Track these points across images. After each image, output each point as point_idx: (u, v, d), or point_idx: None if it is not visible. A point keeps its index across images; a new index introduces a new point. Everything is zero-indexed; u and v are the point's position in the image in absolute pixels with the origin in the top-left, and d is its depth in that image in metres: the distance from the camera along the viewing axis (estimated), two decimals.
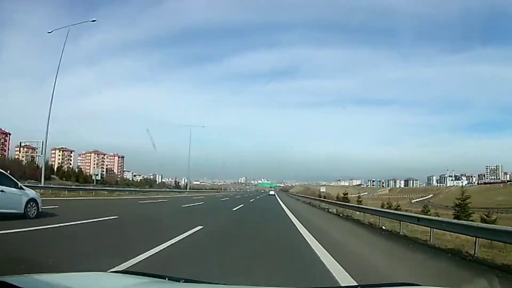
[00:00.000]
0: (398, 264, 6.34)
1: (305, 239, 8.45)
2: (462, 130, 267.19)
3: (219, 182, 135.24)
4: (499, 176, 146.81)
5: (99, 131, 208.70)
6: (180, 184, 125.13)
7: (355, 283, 4.24)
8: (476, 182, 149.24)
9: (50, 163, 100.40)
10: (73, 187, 37.09)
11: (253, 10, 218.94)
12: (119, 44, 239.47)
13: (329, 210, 21.05)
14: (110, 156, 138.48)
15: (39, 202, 10.30)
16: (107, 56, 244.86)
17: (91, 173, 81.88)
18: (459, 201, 25.80)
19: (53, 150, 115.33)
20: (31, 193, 10.22)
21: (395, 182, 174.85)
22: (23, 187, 10.32)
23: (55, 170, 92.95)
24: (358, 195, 45.88)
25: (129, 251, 5.58)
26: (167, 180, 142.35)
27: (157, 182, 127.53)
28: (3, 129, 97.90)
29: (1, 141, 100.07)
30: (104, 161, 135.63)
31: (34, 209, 9.92)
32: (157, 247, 6.05)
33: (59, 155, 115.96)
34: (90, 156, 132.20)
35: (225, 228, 10.77)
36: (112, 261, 4.69)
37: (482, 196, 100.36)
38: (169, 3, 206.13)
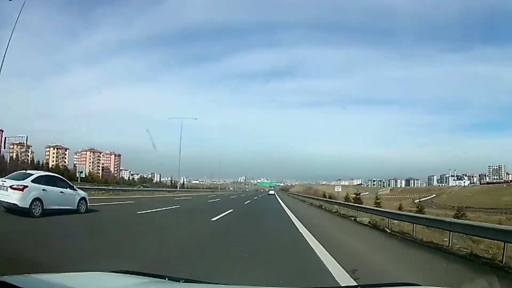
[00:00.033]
0: None
1: None
2: (462, 130, 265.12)
3: (219, 181, 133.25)
4: (501, 176, 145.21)
5: (97, 131, 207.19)
6: (178, 183, 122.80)
7: (355, 283, 4.17)
8: (478, 182, 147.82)
9: (43, 161, 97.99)
10: None
11: (253, 10, 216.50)
12: (119, 44, 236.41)
13: (357, 219, 15.43)
14: (107, 154, 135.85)
15: (87, 200, 12.79)
16: (106, 55, 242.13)
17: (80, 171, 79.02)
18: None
19: (47, 148, 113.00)
20: (82, 193, 12.72)
21: (396, 181, 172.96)
22: (76, 188, 12.72)
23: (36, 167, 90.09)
24: (376, 195, 41.56)
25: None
26: (165, 179, 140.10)
27: (154, 181, 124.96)
28: None
29: None
30: (100, 160, 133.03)
31: (84, 206, 12.41)
32: None
33: (54, 153, 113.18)
34: (86, 154, 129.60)
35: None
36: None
37: (487, 197, 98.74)
38: (169, 2, 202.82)
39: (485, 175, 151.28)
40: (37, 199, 10.34)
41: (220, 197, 37.51)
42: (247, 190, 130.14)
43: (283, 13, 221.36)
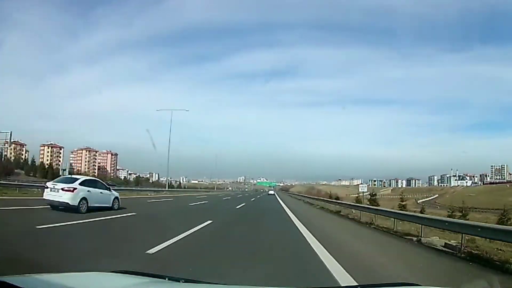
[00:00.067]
0: None
1: None
2: (462, 130, 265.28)
3: (218, 181, 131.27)
4: (504, 175, 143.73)
5: (97, 131, 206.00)
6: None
7: (355, 283, 4.02)
8: (479, 182, 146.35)
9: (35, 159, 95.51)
10: None
11: (253, 9, 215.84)
12: (119, 44, 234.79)
13: (422, 240, 8.98)
14: (103, 153, 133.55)
15: (119, 199, 15.06)
16: (106, 55, 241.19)
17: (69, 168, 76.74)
18: None
19: (42, 146, 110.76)
20: (115, 193, 15.00)
21: (396, 181, 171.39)
22: (111, 189, 14.99)
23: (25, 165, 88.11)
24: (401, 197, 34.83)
25: None
26: (164, 178, 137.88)
27: (151, 181, 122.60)
28: None
29: None
30: (96, 159, 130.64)
31: (117, 204, 14.66)
32: None
33: (48, 152, 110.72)
34: (82, 153, 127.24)
35: None
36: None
37: (491, 197, 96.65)
38: (169, 2, 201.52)
39: (486, 175, 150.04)
40: (83, 198, 12.40)
41: (209, 199, 30.59)
42: (246, 190, 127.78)
43: (283, 13, 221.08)
